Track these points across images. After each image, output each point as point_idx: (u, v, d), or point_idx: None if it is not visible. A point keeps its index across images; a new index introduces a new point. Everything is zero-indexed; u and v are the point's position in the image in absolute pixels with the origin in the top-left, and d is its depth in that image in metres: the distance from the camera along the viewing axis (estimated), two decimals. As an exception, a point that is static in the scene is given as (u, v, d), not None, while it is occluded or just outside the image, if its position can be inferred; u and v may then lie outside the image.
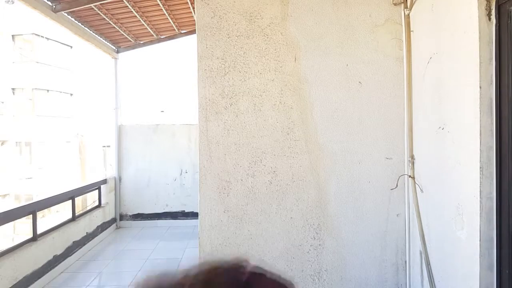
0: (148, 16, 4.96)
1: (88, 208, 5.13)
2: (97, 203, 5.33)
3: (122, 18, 4.88)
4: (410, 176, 2.45)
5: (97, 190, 5.34)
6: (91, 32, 5.06)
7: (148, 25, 5.17)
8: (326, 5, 2.55)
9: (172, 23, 5.21)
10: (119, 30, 5.19)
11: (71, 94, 16.90)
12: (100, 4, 4.26)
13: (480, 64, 1.66)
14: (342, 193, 2.56)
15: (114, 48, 5.89)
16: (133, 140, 5.96)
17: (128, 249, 4.83)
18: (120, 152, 5.92)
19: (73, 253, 4.24)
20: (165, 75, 14.87)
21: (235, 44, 2.53)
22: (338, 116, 2.55)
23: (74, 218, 4.45)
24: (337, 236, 2.55)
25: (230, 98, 2.53)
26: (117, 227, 5.76)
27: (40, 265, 3.55)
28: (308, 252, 2.51)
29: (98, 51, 5.59)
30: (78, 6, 4.09)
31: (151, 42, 5.92)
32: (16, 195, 13.63)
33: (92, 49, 5.58)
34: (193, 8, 4.23)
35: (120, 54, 6.02)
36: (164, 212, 5.91)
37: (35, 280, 3.44)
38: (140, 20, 4.94)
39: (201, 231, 2.53)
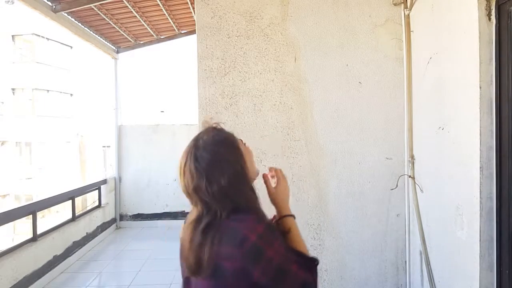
0: (148, 16, 4.96)
1: (88, 208, 5.14)
2: (97, 203, 5.33)
3: (122, 18, 4.88)
4: (410, 176, 2.45)
5: (97, 190, 5.35)
6: (91, 32, 5.06)
7: (148, 25, 5.17)
8: (326, 5, 2.55)
9: (172, 23, 5.21)
10: (119, 30, 5.19)
11: (71, 94, 16.90)
12: (100, 4, 4.26)
13: (480, 64, 1.66)
14: (342, 193, 2.55)
15: (114, 48, 5.89)
16: (133, 140, 5.96)
17: (128, 249, 4.83)
18: (120, 152, 5.92)
19: (73, 253, 4.25)
20: (165, 75, 14.86)
21: (235, 44, 2.53)
22: (338, 116, 2.55)
23: (74, 218, 4.45)
24: (337, 236, 2.55)
25: (230, 98, 2.53)
26: (117, 227, 5.76)
27: (40, 265, 3.55)
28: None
29: (98, 51, 5.59)
30: (78, 6, 4.10)
31: (151, 42, 5.93)
32: (16, 195, 13.63)
33: (92, 49, 5.59)
34: (193, 8, 4.23)
35: (120, 54, 6.02)
36: (164, 212, 5.91)
37: (35, 280, 3.44)
38: (140, 20, 4.94)
39: (201, 231, 2.52)
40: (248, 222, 0.94)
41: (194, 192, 0.96)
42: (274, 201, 1.13)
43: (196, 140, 1.01)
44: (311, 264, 1.02)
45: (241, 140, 1.06)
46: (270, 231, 0.95)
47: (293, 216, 1.11)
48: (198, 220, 0.96)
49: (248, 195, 0.99)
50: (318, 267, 1.06)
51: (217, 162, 0.96)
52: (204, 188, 0.94)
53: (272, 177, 1.16)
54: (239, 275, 0.90)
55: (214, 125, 1.05)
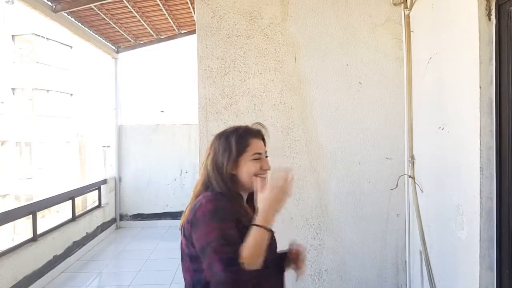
0: (148, 16, 4.96)
1: (88, 208, 5.14)
2: (97, 203, 5.33)
3: (122, 18, 4.88)
4: (410, 176, 2.45)
5: (97, 190, 5.35)
6: (91, 32, 5.06)
7: (148, 25, 5.17)
8: (326, 5, 2.55)
9: (172, 23, 5.21)
10: (119, 30, 5.19)
11: (71, 94, 16.89)
12: (100, 4, 4.26)
13: (480, 64, 1.66)
14: (342, 193, 2.55)
15: (114, 48, 5.89)
16: (133, 140, 5.97)
17: (128, 249, 4.83)
18: (120, 152, 5.92)
19: (73, 253, 4.25)
20: (165, 75, 14.87)
21: (235, 44, 2.53)
22: (338, 116, 2.55)
23: (74, 218, 4.45)
24: (337, 236, 2.55)
25: (230, 98, 2.53)
26: (117, 227, 5.76)
27: (40, 265, 3.55)
28: (308, 252, 2.50)
29: (98, 51, 5.60)
30: (78, 6, 4.10)
31: (151, 42, 5.93)
32: (16, 195, 13.62)
33: (92, 49, 5.59)
34: (193, 8, 4.22)
35: (120, 54, 6.02)
36: (164, 212, 5.91)
37: (35, 280, 3.44)
38: (140, 20, 4.94)
39: (201, 231, 2.52)
40: (203, 198, 1.12)
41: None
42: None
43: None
44: (234, 262, 0.97)
45: (259, 153, 1.30)
46: (218, 213, 1.07)
47: (263, 227, 1.03)
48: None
49: (219, 184, 1.16)
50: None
51: (212, 148, 1.23)
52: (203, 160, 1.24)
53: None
54: (190, 237, 1.10)
55: (253, 124, 1.37)
